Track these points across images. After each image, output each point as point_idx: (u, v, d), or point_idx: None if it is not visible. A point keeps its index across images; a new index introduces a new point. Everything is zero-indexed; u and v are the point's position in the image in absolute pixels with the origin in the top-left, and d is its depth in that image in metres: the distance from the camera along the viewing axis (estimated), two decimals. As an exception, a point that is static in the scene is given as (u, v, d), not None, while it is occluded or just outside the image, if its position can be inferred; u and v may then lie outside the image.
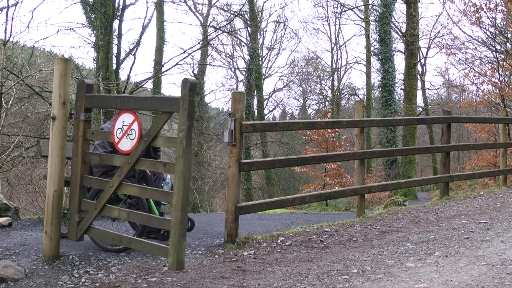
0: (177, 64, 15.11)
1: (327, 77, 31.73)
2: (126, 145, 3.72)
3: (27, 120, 11.13)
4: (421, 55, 23.24)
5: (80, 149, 4.00)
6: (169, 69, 16.86)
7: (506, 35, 13.07)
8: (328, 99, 31.24)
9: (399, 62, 38.05)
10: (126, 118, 3.77)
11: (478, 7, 12.44)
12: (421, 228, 5.15)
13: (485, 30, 13.00)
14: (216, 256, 4.22)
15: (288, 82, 31.24)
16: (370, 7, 22.92)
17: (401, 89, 20.59)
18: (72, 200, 4.01)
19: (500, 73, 12.75)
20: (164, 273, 3.58)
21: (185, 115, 3.28)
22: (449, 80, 25.56)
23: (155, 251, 3.51)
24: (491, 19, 12.74)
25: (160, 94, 18.92)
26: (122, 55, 15.12)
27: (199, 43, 21.43)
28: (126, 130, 3.75)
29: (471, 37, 14.21)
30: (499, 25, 12.91)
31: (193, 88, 3.34)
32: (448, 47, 14.65)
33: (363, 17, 25.07)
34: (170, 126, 23.85)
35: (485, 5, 12.48)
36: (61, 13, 45.87)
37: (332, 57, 30.17)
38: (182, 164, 3.26)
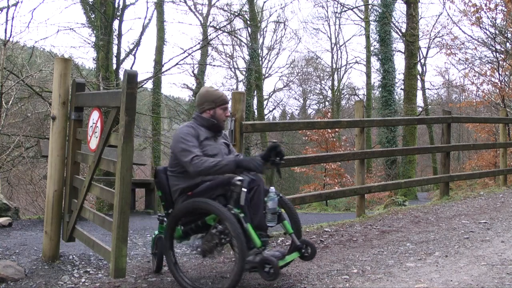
0: (177, 64, 15.10)
1: (327, 77, 31.75)
2: (93, 143, 3.69)
3: (27, 120, 11.12)
4: (421, 55, 23.24)
5: (71, 149, 3.98)
6: (169, 69, 16.91)
7: (506, 35, 13.08)
8: (328, 99, 31.25)
9: (399, 62, 38.22)
10: (94, 116, 3.72)
11: (478, 7, 12.45)
12: (421, 228, 5.15)
13: (485, 30, 13.02)
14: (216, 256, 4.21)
15: (288, 82, 31.26)
16: (370, 7, 22.90)
17: (401, 89, 20.58)
18: (65, 200, 4.02)
19: (500, 73, 12.76)
20: (164, 273, 3.57)
21: (123, 110, 3.13)
22: (449, 80, 25.52)
23: (104, 255, 3.42)
24: (491, 19, 12.76)
25: (160, 94, 18.93)
26: (122, 55, 15.14)
27: (199, 43, 21.44)
28: (94, 128, 3.70)
29: (471, 37, 14.27)
30: (499, 25, 12.92)
31: (132, 80, 3.12)
32: (448, 47, 14.66)
33: (363, 17, 25.06)
34: (170, 126, 23.83)
35: (485, 5, 12.50)
36: (61, 13, 46.16)
37: (332, 57, 30.22)
38: (120, 163, 3.14)
